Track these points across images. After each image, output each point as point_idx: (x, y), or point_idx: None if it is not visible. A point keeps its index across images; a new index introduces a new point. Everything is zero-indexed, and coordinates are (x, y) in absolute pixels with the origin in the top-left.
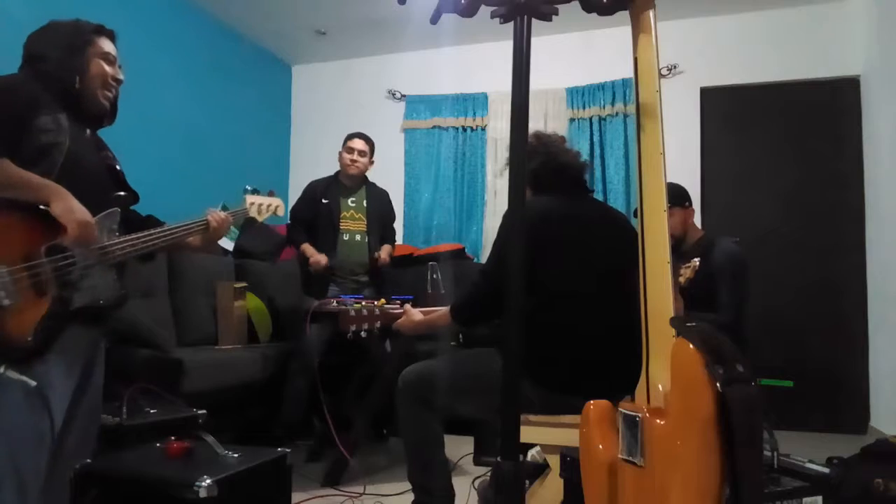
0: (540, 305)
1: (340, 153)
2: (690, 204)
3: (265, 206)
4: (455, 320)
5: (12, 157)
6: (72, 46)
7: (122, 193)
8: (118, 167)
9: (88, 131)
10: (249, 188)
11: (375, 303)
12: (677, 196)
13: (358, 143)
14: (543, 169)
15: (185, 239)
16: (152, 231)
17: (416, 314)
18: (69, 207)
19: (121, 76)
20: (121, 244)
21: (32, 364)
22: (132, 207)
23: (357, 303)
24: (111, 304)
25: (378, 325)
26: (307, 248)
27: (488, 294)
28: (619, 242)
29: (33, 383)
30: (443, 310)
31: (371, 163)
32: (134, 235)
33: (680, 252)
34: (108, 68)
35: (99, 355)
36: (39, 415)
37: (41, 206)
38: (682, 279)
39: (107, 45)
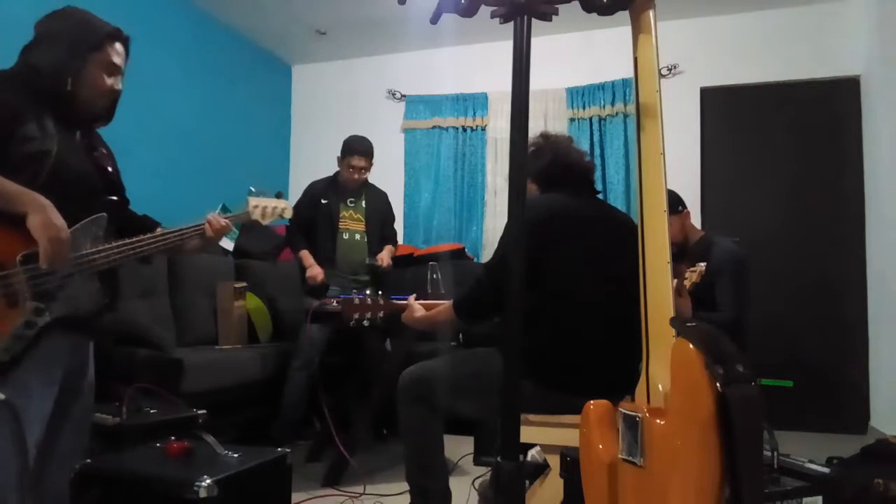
0: (542, 304)
1: (341, 165)
2: (684, 207)
3: (269, 209)
4: (458, 315)
5: None
6: (74, 47)
7: (113, 198)
8: (110, 168)
9: (79, 133)
10: (254, 189)
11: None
12: (670, 203)
13: (360, 162)
14: (553, 167)
15: (180, 244)
16: (141, 238)
17: (419, 308)
18: (44, 222)
19: (119, 86)
20: (105, 251)
21: (6, 376)
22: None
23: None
24: (91, 314)
25: (381, 314)
26: (306, 257)
27: (491, 291)
28: (622, 244)
29: (2, 396)
30: (446, 304)
31: (371, 165)
32: (121, 242)
33: (684, 254)
34: (107, 80)
35: (87, 359)
36: (10, 428)
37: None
38: (687, 282)
39: (115, 54)
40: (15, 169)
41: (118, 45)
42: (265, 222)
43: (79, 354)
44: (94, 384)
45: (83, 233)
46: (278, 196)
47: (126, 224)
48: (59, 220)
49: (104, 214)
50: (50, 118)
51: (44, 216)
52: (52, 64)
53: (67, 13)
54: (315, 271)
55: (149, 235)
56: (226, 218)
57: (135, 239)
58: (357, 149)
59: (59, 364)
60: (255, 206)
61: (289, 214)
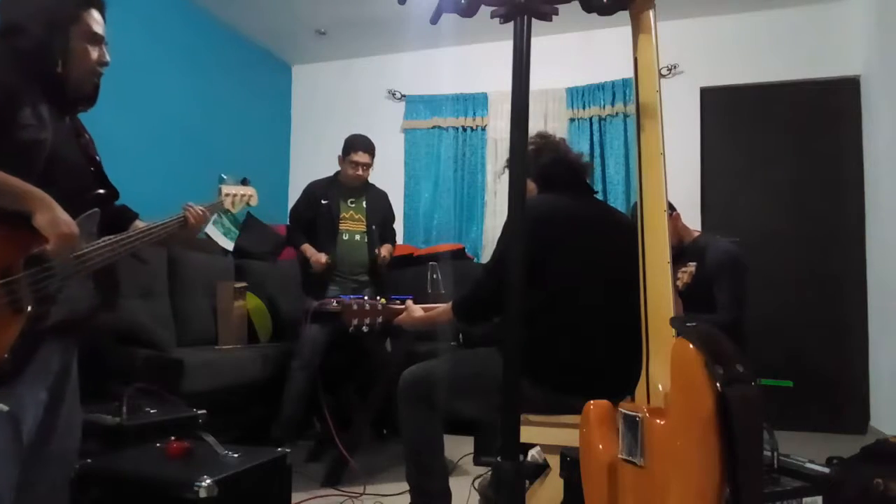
0: (542, 304)
1: (343, 163)
2: (674, 210)
3: (238, 197)
4: (457, 317)
5: None
6: (53, 23)
7: (101, 192)
8: (97, 157)
9: (67, 118)
10: (224, 177)
11: (379, 298)
12: None
13: (363, 157)
14: (554, 166)
15: (166, 236)
16: (129, 234)
17: (418, 310)
18: (53, 219)
19: (107, 58)
20: (99, 250)
21: (8, 385)
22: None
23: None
24: (87, 316)
25: (380, 319)
26: (307, 249)
27: (490, 291)
28: (621, 244)
29: (6, 408)
30: (444, 306)
31: (372, 162)
32: (111, 239)
33: (681, 256)
34: (93, 52)
35: (71, 363)
36: (11, 437)
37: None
38: (679, 283)
39: (93, 22)
40: (9, 159)
41: (94, 13)
42: (235, 210)
43: (66, 360)
44: (77, 386)
45: (80, 230)
46: (244, 182)
47: (114, 218)
48: (66, 216)
49: (97, 210)
50: (44, 104)
51: (52, 214)
52: (35, 46)
53: None
54: (318, 256)
55: (136, 231)
56: (201, 207)
57: (122, 235)
58: (359, 145)
59: (52, 370)
60: (227, 195)
61: (255, 202)
